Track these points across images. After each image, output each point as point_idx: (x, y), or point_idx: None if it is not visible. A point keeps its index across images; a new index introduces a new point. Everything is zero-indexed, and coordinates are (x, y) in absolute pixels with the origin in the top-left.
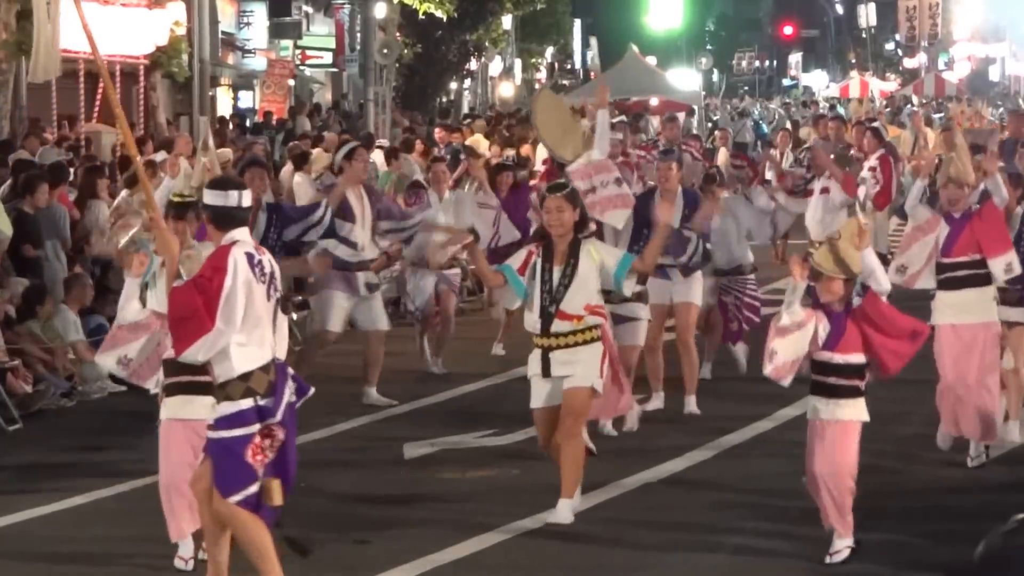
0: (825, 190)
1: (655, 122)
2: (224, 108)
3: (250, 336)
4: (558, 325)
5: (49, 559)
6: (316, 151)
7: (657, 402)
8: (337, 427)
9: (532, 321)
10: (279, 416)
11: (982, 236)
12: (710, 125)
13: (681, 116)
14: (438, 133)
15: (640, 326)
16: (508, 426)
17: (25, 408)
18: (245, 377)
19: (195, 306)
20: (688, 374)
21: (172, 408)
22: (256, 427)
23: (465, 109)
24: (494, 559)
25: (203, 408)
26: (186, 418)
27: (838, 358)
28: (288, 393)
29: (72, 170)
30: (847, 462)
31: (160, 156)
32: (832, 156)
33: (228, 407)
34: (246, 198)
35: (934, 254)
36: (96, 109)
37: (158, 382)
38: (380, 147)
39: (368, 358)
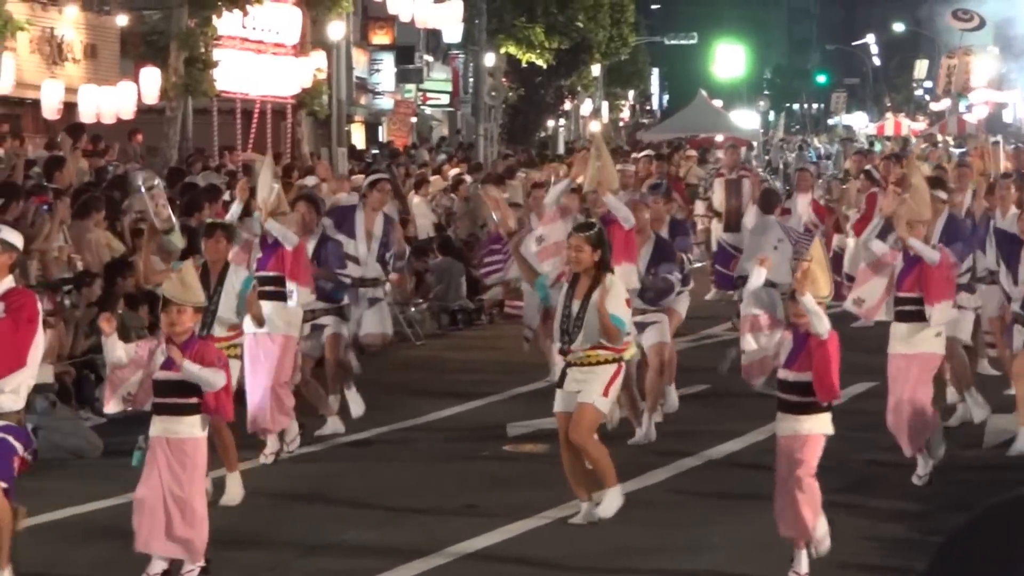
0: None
1: (719, 153)
2: (359, 140)
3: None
4: (575, 351)
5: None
6: (434, 178)
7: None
8: (446, 411)
9: (557, 337)
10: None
11: (926, 280)
12: (767, 158)
13: (742, 150)
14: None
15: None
16: None
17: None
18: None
19: (17, 345)
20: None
21: (160, 427)
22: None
23: (560, 143)
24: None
25: (189, 427)
26: (172, 437)
27: (792, 376)
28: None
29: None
30: (805, 472)
31: (311, 180)
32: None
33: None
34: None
35: (891, 288)
36: (251, 141)
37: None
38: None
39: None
